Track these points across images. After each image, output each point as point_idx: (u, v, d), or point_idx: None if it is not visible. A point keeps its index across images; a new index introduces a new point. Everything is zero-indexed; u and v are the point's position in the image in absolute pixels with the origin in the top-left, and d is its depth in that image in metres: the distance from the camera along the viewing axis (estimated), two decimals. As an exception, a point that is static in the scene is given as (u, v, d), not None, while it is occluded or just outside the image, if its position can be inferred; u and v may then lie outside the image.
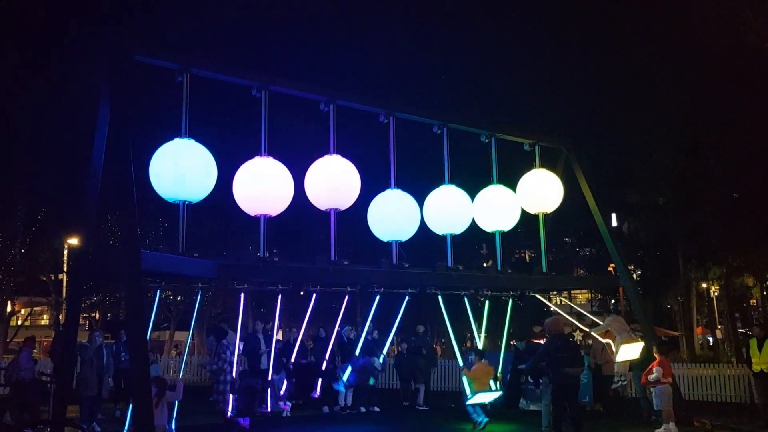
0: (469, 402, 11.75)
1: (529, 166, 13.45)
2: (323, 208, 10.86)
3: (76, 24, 22.68)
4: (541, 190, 12.96)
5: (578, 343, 12.09)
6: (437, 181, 12.33)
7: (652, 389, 11.58)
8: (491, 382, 11.91)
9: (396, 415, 14.15)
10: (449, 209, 11.96)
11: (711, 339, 35.90)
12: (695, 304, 30.71)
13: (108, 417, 13.10)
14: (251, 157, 10.28)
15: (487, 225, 12.76)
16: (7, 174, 22.23)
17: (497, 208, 12.57)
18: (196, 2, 26.21)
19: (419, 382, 15.33)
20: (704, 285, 33.57)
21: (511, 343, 15.46)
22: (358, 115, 12.15)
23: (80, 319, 12.32)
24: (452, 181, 12.21)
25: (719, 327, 35.16)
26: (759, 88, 19.33)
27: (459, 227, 12.10)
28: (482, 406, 12.04)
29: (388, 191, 11.57)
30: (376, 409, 14.52)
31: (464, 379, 11.87)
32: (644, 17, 22.76)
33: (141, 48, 9.53)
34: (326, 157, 10.92)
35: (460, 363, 12.81)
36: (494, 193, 12.64)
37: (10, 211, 23.09)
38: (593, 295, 46.46)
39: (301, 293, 11.38)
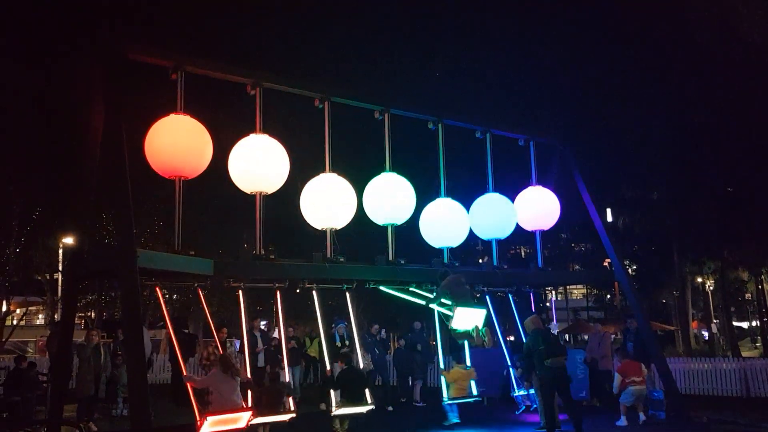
0: (446, 402, 11.83)
1: (526, 169, 13.53)
2: (318, 227, 10.87)
3: (69, 22, 22.57)
4: (539, 208, 13.09)
5: (556, 334, 12.11)
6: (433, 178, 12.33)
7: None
8: (472, 385, 12.01)
9: (393, 410, 14.14)
10: (445, 223, 12.01)
11: (706, 333, 36.05)
12: (690, 298, 30.84)
13: (105, 416, 13.08)
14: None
15: (484, 234, 12.85)
16: (2, 173, 22.15)
17: (494, 218, 12.65)
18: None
19: (416, 378, 15.36)
20: (699, 279, 33.74)
21: (508, 339, 15.48)
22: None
23: (76, 319, 12.28)
24: (447, 182, 12.27)
25: (715, 321, 35.33)
26: (753, 82, 19.38)
27: (455, 241, 12.17)
28: (459, 406, 12.02)
29: (383, 175, 11.60)
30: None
31: (443, 379, 11.95)
32: (637, 12, 22.77)
33: (134, 47, 9.49)
34: (321, 176, 10.88)
35: (441, 365, 12.91)
36: (492, 201, 12.71)
37: (4, 211, 23.01)
38: (589, 290, 46.63)
39: (297, 291, 11.37)
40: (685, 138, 22.35)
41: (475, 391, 12.25)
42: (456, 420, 11.90)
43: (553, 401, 10.46)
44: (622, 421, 11.53)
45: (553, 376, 10.28)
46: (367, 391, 10.60)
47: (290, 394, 10.42)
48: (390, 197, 11.42)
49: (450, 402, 11.85)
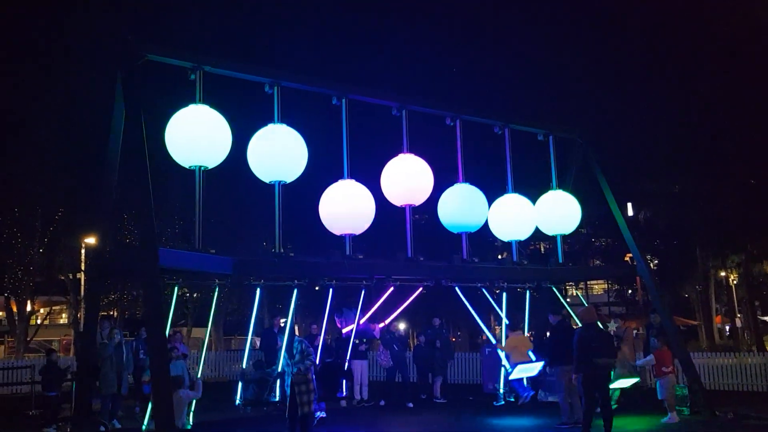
0: (512, 377, 12.15)
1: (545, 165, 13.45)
2: (338, 233, 10.86)
3: (88, 24, 22.80)
4: (559, 213, 13.04)
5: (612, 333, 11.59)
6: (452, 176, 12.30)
7: (656, 380, 11.63)
8: (530, 353, 12.08)
9: (413, 407, 14.14)
10: (465, 209, 11.95)
11: (729, 328, 35.59)
12: (714, 292, 30.46)
13: (128, 414, 13.21)
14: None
15: (504, 235, 12.80)
16: (25, 175, 22.45)
17: (515, 218, 12.59)
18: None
19: (436, 374, 15.35)
20: (722, 273, 33.27)
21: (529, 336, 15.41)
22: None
23: (99, 318, 12.38)
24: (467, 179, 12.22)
25: (739, 315, 34.84)
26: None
27: (473, 227, 12.14)
28: (528, 379, 12.32)
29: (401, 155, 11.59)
30: (382, 402, 14.58)
31: (501, 354, 12.36)
32: (660, 7, 22.53)
33: (153, 47, 9.55)
34: (340, 182, 10.85)
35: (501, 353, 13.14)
36: (512, 202, 12.67)
37: (29, 212, 23.34)
38: (610, 286, 46.21)
39: (317, 288, 11.40)
40: (707, 130, 22.07)
41: (533, 357, 12.42)
42: (530, 392, 12.44)
43: (594, 400, 9.85)
44: (671, 418, 11.26)
45: (597, 374, 9.70)
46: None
47: None
48: (407, 177, 11.36)
49: (515, 377, 12.15)
